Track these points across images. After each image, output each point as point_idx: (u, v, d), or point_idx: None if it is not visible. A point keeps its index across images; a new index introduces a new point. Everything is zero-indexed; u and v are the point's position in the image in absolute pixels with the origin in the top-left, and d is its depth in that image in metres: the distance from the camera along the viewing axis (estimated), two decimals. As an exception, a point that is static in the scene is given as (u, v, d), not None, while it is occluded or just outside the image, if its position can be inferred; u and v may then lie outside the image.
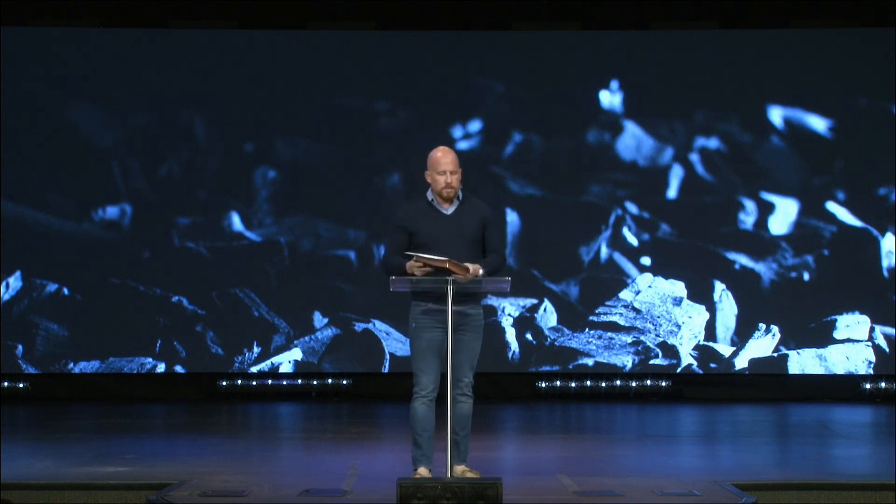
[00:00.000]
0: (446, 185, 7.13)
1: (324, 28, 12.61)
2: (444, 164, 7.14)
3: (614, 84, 12.52)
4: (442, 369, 7.05)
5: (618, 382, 12.40)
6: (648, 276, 12.42)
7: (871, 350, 12.32)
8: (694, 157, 12.51)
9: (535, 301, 12.40)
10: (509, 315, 12.36)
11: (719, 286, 12.41)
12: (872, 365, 12.31)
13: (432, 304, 7.05)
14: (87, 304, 12.42)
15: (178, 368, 12.44)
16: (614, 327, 12.36)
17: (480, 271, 7.01)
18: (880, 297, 12.35)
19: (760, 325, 12.38)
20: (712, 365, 12.37)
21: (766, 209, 12.47)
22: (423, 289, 7.02)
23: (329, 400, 12.41)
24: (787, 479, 7.39)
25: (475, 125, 12.50)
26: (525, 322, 12.39)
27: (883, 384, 12.28)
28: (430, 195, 7.22)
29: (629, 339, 12.35)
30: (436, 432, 7.15)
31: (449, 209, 7.19)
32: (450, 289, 6.85)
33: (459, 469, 7.11)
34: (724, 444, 9.88)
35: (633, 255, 12.47)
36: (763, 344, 12.37)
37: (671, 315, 12.35)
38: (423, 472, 7.09)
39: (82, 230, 12.47)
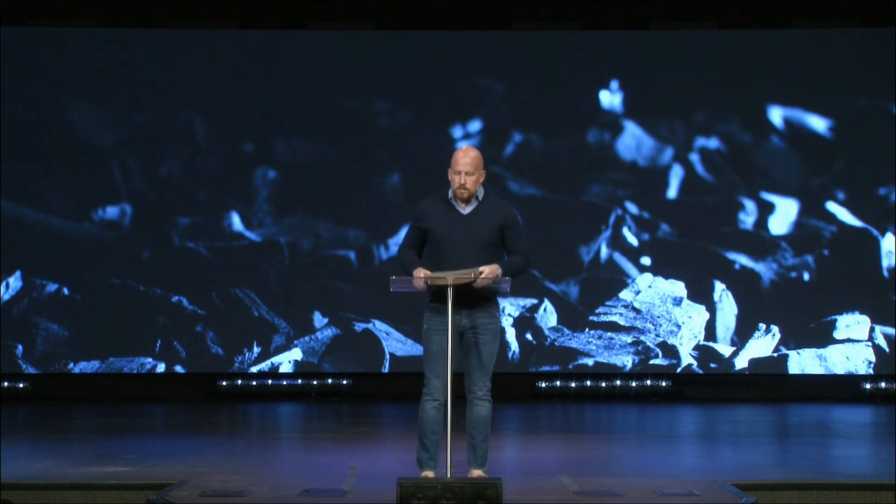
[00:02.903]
0: (460, 185, 7.07)
1: (323, 28, 12.60)
2: (460, 165, 7.07)
3: (614, 84, 12.52)
4: (454, 371, 6.97)
5: (618, 382, 12.40)
6: (648, 276, 12.42)
7: (871, 350, 12.32)
8: (694, 157, 12.51)
9: (535, 301, 12.39)
10: (509, 315, 12.36)
11: (719, 286, 12.40)
12: (872, 365, 12.31)
13: (443, 307, 6.94)
14: (87, 304, 12.42)
15: (178, 368, 12.43)
16: (614, 327, 12.35)
17: (499, 271, 6.93)
18: (880, 297, 12.35)
19: (760, 325, 12.37)
20: (712, 365, 12.36)
21: (766, 209, 12.47)
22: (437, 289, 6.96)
23: (329, 400, 12.40)
24: (787, 479, 7.40)
25: (475, 125, 12.49)
26: (525, 322, 12.39)
27: (883, 384, 12.27)
28: (450, 193, 7.15)
29: (629, 339, 12.34)
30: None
31: (466, 209, 7.12)
32: (450, 291, 6.82)
33: (476, 473, 7.05)
34: (724, 444, 9.88)
35: (633, 255, 12.46)
36: (763, 344, 12.36)
37: (671, 315, 12.35)
38: (428, 476, 7.01)
39: (82, 230, 12.47)
